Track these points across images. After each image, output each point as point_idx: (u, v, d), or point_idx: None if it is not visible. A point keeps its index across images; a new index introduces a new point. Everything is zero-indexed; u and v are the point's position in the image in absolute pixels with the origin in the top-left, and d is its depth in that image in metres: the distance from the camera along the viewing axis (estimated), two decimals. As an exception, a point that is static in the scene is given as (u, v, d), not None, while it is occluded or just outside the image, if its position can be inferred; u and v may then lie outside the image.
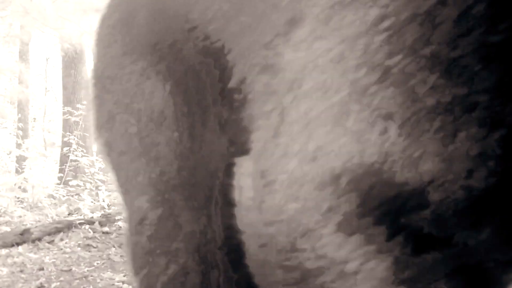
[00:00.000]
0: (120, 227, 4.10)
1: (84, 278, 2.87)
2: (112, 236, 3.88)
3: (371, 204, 0.64)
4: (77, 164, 6.26)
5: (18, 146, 6.34)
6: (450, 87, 0.60)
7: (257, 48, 0.80)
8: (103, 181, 6.35)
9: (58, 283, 2.77)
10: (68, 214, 4.68)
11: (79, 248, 3.48)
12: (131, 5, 1.03)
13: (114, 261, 3.27)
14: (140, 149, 0.96)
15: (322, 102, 0.69)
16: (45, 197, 5.01)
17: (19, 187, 5.00)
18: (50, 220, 4.28)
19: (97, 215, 4.43)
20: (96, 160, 6.40)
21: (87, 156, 6.39)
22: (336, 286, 0.68)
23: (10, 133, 10.09)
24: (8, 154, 8.27)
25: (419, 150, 0.61)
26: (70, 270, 3.02)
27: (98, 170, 6.26)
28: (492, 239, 0.63)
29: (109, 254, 3.41)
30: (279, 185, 0.72)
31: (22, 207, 4.66)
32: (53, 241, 3.59)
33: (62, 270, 3.02)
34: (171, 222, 0.93)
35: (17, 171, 6.55)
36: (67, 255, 3.32)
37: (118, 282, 2.80)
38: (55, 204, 4.99)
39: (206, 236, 0.92)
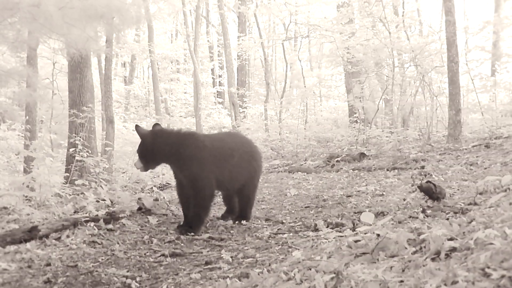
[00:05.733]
0: (124, 224, 4.11)
1: (89, 273, 2.87)
2: (116, 233, 3.88)
3: None
4: (83, 164, 6.26)
5: (26, 147, 6.33)
6: None
7: None
8: (107, 181, 6.34)
9: (65, 278, 2.77)
10: (74, 212, 4.68)
11: (84, 245, 3.48)
12: None
13: (118, 257, 3.28)
14: None
15: None
16: (52, 196, 5.00)
17: (27, 186, 4.99)
18: (56, 217, 4.28)
19: (101, 213, 4.43)
20: (101, 160, 6.40)
21: (92, 157, 6.39)
22: None
23: (18, 135, 10.09)
24: (16, 155, 8.27)
25: None
26: (76, 265, 3.02)
27: (103, 170, 6.26)
28: None
29: (113, 250, 3.41)
30: None
31: (30, 205, 4.65)
32: (59, 238, 3.59)
33: (68, 266, 3.02)
34: None
35: (25, 171, 6.54)
36: (73, 251, 3.32)
37: (122, 277, 2.80)
38: (61, 202, 4.99)
39: None
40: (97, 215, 4.24)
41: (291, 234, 3.85)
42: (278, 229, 4.10)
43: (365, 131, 12.43)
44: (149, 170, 4.61)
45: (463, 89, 12.01)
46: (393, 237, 2.20)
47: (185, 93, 24.15)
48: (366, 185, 6.31)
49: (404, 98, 12.31)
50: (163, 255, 3.29)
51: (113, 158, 8.02)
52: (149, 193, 6.53)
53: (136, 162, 4.13)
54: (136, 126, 4.21)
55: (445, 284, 1.53)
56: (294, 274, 2.10)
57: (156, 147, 4.02)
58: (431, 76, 12.20)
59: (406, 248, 2.13)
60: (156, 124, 4.24)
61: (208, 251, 3.42)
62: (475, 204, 3.69)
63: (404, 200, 4.57)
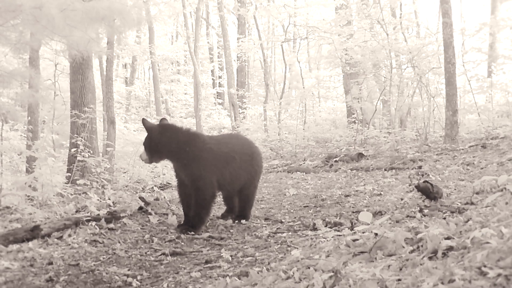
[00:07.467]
0: (125, 223, 4.10)
1: (90, 272, 2.87)
2: (117, 232, 3.88)
3: None
4: (84, 164, 6.25)
5: (28, 147, 6.33)
6: None
7: None
8: (108, 180, 6.34)
9: (66, 277, 2.77)
10: (76, 212, 4.67)
11: (86, 244, 3.48)
12: None
13: (119, 256, 3.27)
14: None
15: None
16: (54, 196, 5.00)
17: (30, 186, 4.99)
18: (58, 217, 4.28)
19: (103, 212, 4.43)
20: (102, 160, 6.40)
21: (94, 157, 6.39)
22: None
23: (20, 135, 10.08)
24: (19, 155, 8.26)
25: None
26: (78, 264, 3.02)
27: (104, 170, 6.26)
28: None
29: (115, 249, 3.41)
30: None
31: (32, 205, 4.65)
32: (61, 237, 3.58)
33: (70, 265, 3.02)
34: None
35: (27, 171, 6.53)
36: (74, 250, 3.32)
37: (123, 276, 2.80)
38: (63, 202, 4.99)
39: None
40: (98, 214, 4.23)
41: (290, 233, 3.85)
42: (277, 228, 4.09)
43: (363, 132, 12.43)
44: (153, 164, 4.58)
45: (460, 90, 12.01)
46: (390, 236, 2.20)
47: (185, 94, 24.15)
48: (364, 185, 6.31)
49: (401, 99, 12.32)
50: (163, 254, 3.29)
51: (114, 158, 8.02)
52: (149, 192, 6.53)
53: (142, 154, 4.15)
54: (143, 119, 4.21)
55: (442, 283, 1.53)
56: (293, 273, 2.10)
57: (162, 141, 4.01)
58: (428, 77, 12.20)
59: (403, 247, 2.13)
60: (163, 119, 4.25)
61: (208, 250, 3.42)
62: (472, 203, 3.69)
63: (402, 199, 4.57)
